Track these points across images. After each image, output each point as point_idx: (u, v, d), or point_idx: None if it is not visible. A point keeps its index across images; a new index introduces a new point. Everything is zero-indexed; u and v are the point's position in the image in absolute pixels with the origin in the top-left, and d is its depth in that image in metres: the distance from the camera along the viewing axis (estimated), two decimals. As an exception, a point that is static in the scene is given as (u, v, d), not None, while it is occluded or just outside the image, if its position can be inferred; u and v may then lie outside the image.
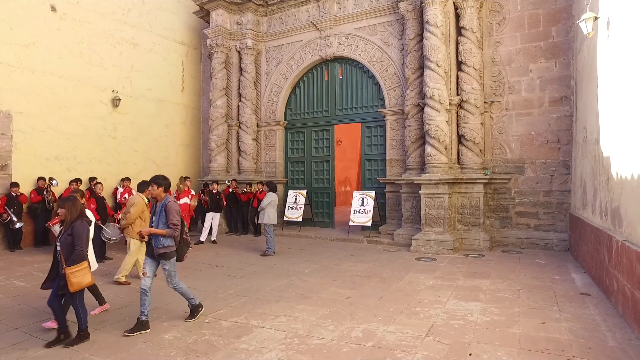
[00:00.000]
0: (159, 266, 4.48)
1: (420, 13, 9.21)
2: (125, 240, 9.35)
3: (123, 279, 6.26)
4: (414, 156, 9.46)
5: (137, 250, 6.37)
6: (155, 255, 4.37)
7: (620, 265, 4.48)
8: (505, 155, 9.12)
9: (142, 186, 6.62)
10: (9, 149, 9.32)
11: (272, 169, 12.46)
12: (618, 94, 4.96)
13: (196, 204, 9.70)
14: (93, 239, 7.93)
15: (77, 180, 9.60)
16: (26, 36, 9.64)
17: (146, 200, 6.49)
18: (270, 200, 8.42)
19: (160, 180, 4.51)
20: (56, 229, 7.88)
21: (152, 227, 4.42)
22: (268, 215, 8.39)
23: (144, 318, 4.25)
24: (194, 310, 4.58)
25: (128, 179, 10.34)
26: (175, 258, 4.45)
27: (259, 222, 9.16)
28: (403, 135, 9.91)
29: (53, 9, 10.17)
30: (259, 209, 8.95)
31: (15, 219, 8.60)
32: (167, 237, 4.32)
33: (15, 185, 9.02)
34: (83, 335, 3.93)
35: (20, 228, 8.78)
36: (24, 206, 9.19)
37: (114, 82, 11.56)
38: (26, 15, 9.64)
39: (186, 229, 4.59)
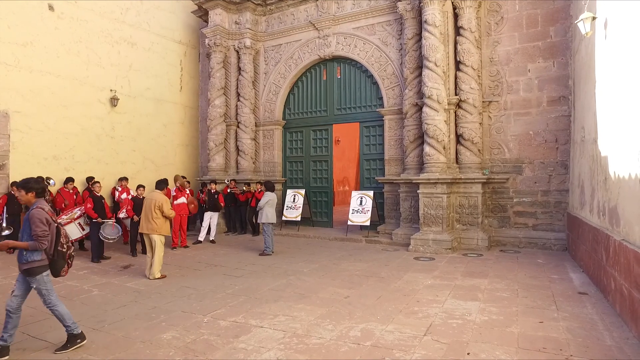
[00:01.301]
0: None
1: (419, 13, 9.21)
2: (125, 240, 9.42)
3: (158, 275, 6.48)
4: (413, 156, 9.47)
5: (162, 244, 6.63)
6: (20, 271, 3.73)
7: (617, 265, 4.49)
8: (503, 155, 9.14)
9: (161, 185, 6.92)
10: (6, 148, 9.30)
11: (271, 169, 12.45)
12: (616, 94, 4.98)
13: (196, 206, 9.71)
14: (91, 238, 8.03)
15: (71, 180, 9.59)
16: (24, 35, 9.61)
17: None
18: (267, 199, 8.41)
19: (31, 184, 3.80)
20: (71, 227, 7.92)
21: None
22: (266, 214, 8.38)
23: (1, 343, 3.63)
24: (71, 339, 3.80)
25: (125, 179, 10.34)
26: (46, 274, 3.75)
27: (258, 221, 9.16)
28: (401, 134, 9.92)
29: (51, 8, 10.13)
30: (257, 209, 8.95)
31: (5, 224, 8.50)
32: (32, 250, 3.64)
33: (16, 184, 8.98)
34: None
35: (10, 233, 8.68)
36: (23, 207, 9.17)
37: (112, 82, 11.54)
38: (24, 14, 9.61)
39: (63, 240, 3.84)
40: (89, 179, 9.99)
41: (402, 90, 9.89)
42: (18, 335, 4.06)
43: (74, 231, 8.05)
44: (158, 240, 6.54)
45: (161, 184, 6.93)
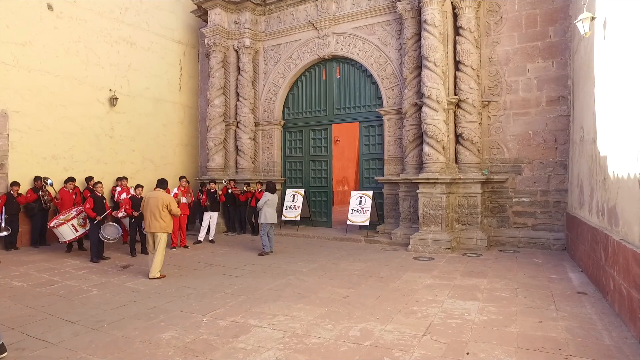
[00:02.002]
0: None
1: (418, 12, 9.22)
2: (124, 240, 9.41)
3: (158, 274, 6.50)
4: (412, 156, 9.47)
5: (165, 244, 6.67)
6: None
7: (616, 265, 4.50)
8: (502, 155, 9.14)
9: (163, 184, 7.00)
10: (5, 148, 9.28)
11: (270, 169, 12.45)
12: (615, 93, 4.98)
13: (191, 194, 9.74)
14: (91, 238, 8.02)
15: (71, 180, 9.57)
16: (22, 35, 9.59)
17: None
18: (266, 199, 8.41)
19: None
20: (64, 229, 7.93)
21: None
22: (265, 214, 8.38)
23: None
24: None
25: (125, 178, 10.34)
26: None
27: (259, 221, 9.15)
28: (401, 134, 9.92)
29: (50, 7, 10.12)
30: (257, 209, 8.96)
31: (3, 225, 8.47)
32: None
33: (15, 184, 8.99)
34: None
35: (8, 234, 8.65)
36: (22, 206, 9.15)
37: (111, 81, 11.52)
38: (22, 14, 9.59)
39: None
40: (88, 179, 10.00)
41: (402, 90, 9.89)
42: (17, 335, 4.07)
43: (66, 232, 8.08)
44: (163, 239, 6.58)
45: (163, 184, 7.03)
